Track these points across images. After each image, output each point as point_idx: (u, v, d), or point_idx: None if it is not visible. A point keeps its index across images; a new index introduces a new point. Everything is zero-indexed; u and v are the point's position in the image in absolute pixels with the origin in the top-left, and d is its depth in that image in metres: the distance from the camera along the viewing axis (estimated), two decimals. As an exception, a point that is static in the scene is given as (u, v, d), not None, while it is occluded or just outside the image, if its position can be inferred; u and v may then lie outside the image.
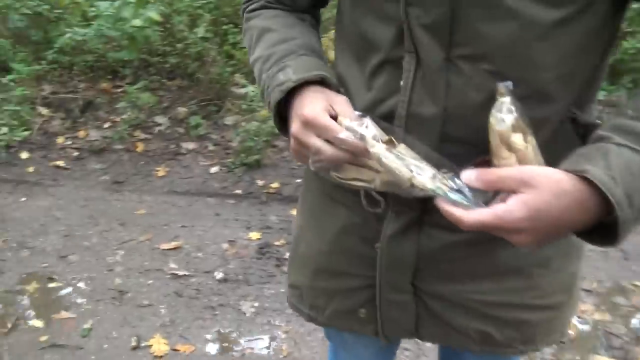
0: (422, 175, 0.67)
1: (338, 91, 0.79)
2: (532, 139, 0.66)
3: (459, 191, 0.65)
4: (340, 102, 0.75)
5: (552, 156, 0.66)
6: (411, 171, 0.67)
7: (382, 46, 0.75)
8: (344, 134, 0.69)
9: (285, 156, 3.23)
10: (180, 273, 2.39)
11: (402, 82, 0.73)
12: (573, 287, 0.92)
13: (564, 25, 0.66)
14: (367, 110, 0.76)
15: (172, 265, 2.44)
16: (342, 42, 0.85)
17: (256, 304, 2.24)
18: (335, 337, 1.13)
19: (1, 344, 2.04)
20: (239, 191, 2.97)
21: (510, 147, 0.65)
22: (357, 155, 0.71)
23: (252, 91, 3.28)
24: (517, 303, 0.85)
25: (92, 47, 3.61)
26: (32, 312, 2.19)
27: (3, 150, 3.19)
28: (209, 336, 2.10)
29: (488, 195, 0.65)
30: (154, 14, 3.23)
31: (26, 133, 3.33)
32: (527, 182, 0.60)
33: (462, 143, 0.72)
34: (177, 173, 3.12)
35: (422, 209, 0.78)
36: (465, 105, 0.71)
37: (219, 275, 2.38)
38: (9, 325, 2.12)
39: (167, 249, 2.53)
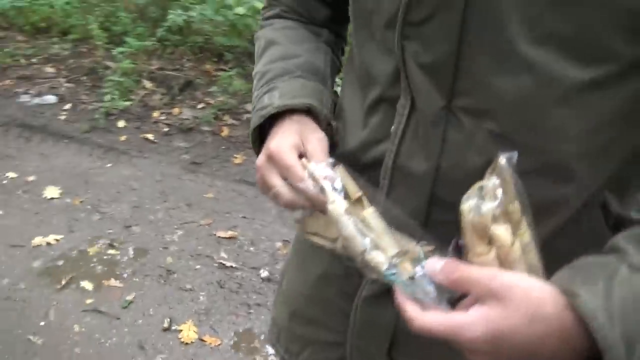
0: (379, 252, 0.55)
1: (328, 124, 0.70)
2: (526, 233, 0.52)
3: (425, 277, 0.52)
4: (314, 141, 0.65)
5: (569, 250, 0.52)
6: (366, 244, 0.55)
7: (380, 81, 0.64)
8: (302, 183, 0.60)
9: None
10: (228, 264, 2.40)
11: (392, 127, 0.62)
12: None
13: (597, 89, 0.51)
14: (359, 150, 0.67)
15: (223, 255, 2.45)
16: (349, 68, 0.75)
17: (292, 310, 2.19)
18: None
19: (51, 299, 2.17)
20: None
21: (490, 240, 0.52)
22: (317, 208, 0.61)
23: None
24: None
25: (199, 29, 3.74)
26: (86, 274, 2.30)
27: (103, 117, 3.40)
28: (238, 333, 2.08)
29: (457, 292, 0.52)
30: (258, 3, 3.26)
31: (127, 103, 3.53)
32: (497, 295, 0.47)
33: (454, 210, 0.58)
34: (253, 163, 3.13)
35: None
36: (462, 167, 0.58)
37: (264, 273, 2.36)
38: (63, 283, 2.24)
39: (223, 237, 2.55)
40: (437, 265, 0.52)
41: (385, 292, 0.68)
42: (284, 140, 0.64)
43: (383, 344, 0.72)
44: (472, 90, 0.55)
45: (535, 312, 0.46)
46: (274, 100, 0.68)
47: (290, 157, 0.62)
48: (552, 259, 0.51)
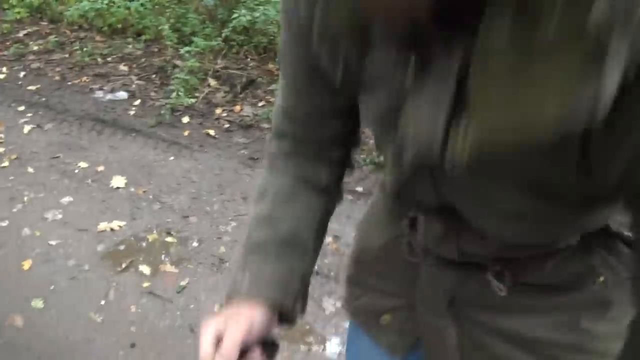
0: None
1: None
2: None
3: None
4: (231, 333, 0.69)
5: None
6: None
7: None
8: None
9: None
10: (279, 256, 2.44)
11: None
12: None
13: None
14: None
15: (274, 247, 2.50)
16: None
17: (338, 304, 2.21)
18: (353, 347, 1.05)
19: (112, 280, 2.30)
20: (359, 189, 2.94)
21: None
22: None
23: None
24: (566, 343, 0.73)
25: (263, 29, 3.84)
26: (144, 259, 2.42)
27: (169, 112, 3.56)
28: (283, 323, 2.12)
29: None
30: (320, 4, 3.31)
31: (192, 100, 3.68)
32: None
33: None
34: (309, 160, 3.19)
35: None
36: None
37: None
38: (123, 266, 2.37)
39: (275, 230, 2.60)
40: None
41: (444, 263, 0.75)
42: (212, 325, 0.70)
43: (446, 298, 0.77)
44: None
45: None
46: (243, 286, 0.75)
47: (205, 347, 0.68)
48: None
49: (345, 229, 2.63)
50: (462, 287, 0.75)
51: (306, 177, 0.80)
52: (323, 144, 0.78)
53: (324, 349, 2.02)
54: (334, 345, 2.03)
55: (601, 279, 0.70)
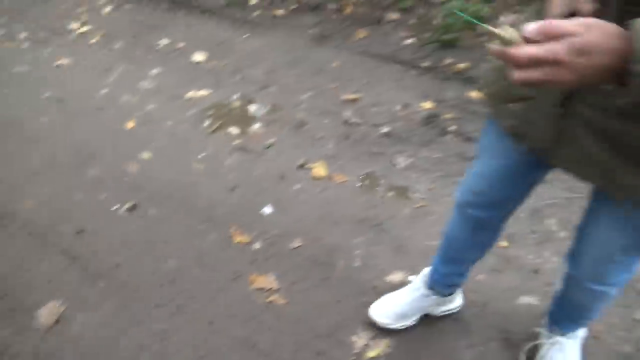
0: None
1: None
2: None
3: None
4: None
5: None
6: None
7: None
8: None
9: (483, 41, 3.22)
10: (353, 120, 2.69)
11: None
12: None
13: None
14: None
15: (347, 113, 2.74)
16: None
17: (409, 161, 2.46)
18: (487, 130, 1.23)
19: (207, 138, 2.60)
20: (426, 64, 3.10)
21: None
22: None
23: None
24: None
25: None
26: (232, 122, 2.70)
27: (238, -7, 3.71)
28: (361, 174, 2.40)
29: None
30: None
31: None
32: (584, 24, 0.65)
33: None
34: (375, 38, 3.34)
35: None
36: None
37: (385, 129, 2.63)
38: (214, 127, 2.66)
39: (347, 99, 2.83)
40: (534, 24, 0.69)
41: None
42: None
43: (565, 90, 0.92)
44: None
45: (607, 32, 0.64)
46: None
47: None
48: None
49: (412, 100, 2.83)
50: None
51: None
52: None
53: (397, 196, 2.30)
54: (406, 193, 2.31)
55: None
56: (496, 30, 0.72)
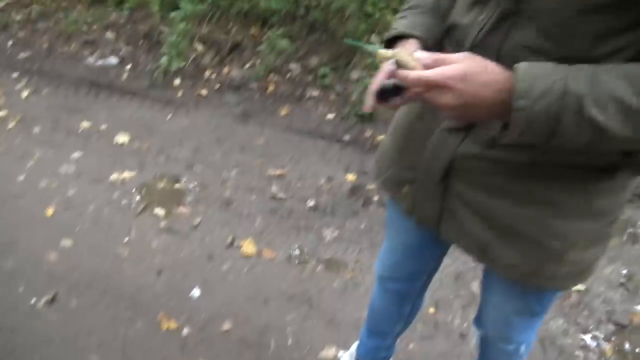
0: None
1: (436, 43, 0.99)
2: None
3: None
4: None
5: None
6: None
7: None
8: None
9: (398, 114, 3.41)
10: (279, 195, 2.74)
11: (481, 17, 0.89)
12: (593, 246, 0.98)
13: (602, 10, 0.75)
14: (460, 30, 0.95)
15: (274, 188, 2.79)
16: None
17: (336, 233, 2.52)
18: (389, 211, 1.32)
19: (132, 222, 2.55)
20: (347, 138, 3.23)
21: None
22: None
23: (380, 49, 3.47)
24: (529, 233, 0.96)
25: (246, -6, 4.04)
26: (158, 203, 2.68)
27: (161, 75, 3.76)
28: (290, 249, 2.42)
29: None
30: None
31: (182, 63, 3.88)
32: (466, 55, 0.76)
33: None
34: (298, 115, 3.46)
35: (470, 123, 0.95)
36: (517, 44, 0.85)
37: (311, 203, 2.69)
38: (139, 210, 2.62)
39: (273, 175, 2.89)
40: (425, 53, 0.80)
41: (454, 129, 0.97)
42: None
43: (444, 165, 1.00)
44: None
45: (489, 66, 0.75)
46: (400, 27, 1.00)
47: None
48: None
49: (336, 173, 2.93)
50: (461, 154, 0.97)
51: None
52: None
53: (326, 270, 2.33)
54: (334, 266, 2.34)
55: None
56: (394, 53, 0.82)
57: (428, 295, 2.19)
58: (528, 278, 1.00)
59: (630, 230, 2.65)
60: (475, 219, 1.01)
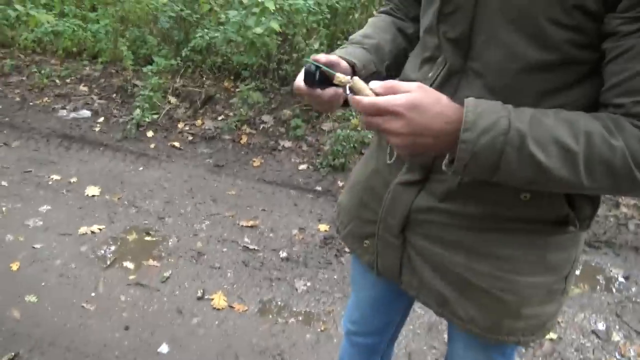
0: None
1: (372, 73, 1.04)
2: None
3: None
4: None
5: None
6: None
7: (429, 47, 0.97)
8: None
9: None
10: (251, 247, 2.72)
11: (430, 74, 0.94)
12: (549, 301, 1.00)
13: (546, 68, 0.80)
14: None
15: (246, 240, 2.77)
16: (417, 44, 1.07)
17: (308, 284, 2.50)
18: (353, 265, 1.33)
19: (100, 275, 2.50)
20: (319, 188, 3.26)
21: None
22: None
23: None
24: (485, 288, 0.97)
25: (219, 49, 4.13)
26: (127, 256, 2.63)
27: (134, 127, 3.77)
28: (262, 302, 2.39)
29: None
30: (274, 24, 3.64)
31: (155, 116, 3.91)
32: (419, 86, 0.78)
33: None
34: (270, 165, 3.49)
35: (426, 174, 0.98)
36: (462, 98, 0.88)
37: (283, 254, 2.68)
38: (108, 263, 2.57)
39: (246, 226, 2.88)
40: (377, 82, 0.82)
41: (409, 183, 1.00)
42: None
43: (400, 220, 1.02)
44: (476, 57, 0.87)
45: (439, 98, 0.77)
46: (338, 52, 1.03)
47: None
48: None
49: (309, 223, 2.93)
50: (416, 207, 0.99)
51: (397, 23, 1.13)
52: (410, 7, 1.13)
53: (298, 322, 2.30)
54: (307, 319, 2.32)
55: (526, 195, 0.88)
56: (352, 79, 0.84)
57: (402, 346, 2.18)
58: (486, 333, 1.01)
59: (598, 276, 2.69)
60: (433, 272, 1.02)
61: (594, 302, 2.51)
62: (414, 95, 0.76)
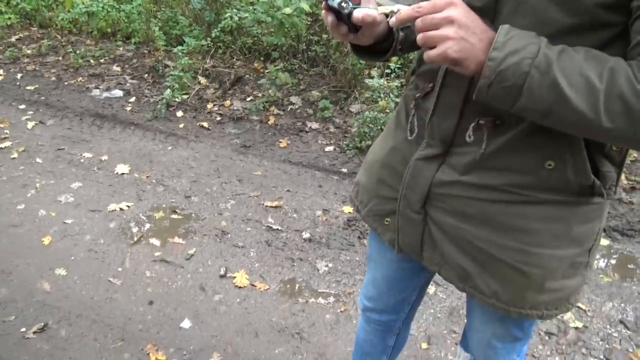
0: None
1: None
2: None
3: None
4: None
5: None
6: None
7: None
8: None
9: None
10: (275, 227, 2.74)
11: None
12: (573, 274, 0.99)
13: (574, 33, 0.79)
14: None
15: (270, 220, 2.79)
16: None
17: (330, 265, 2.50)
18: (370, 243, 1.33)
19: (126, 251, 2.56)
20: (344, 170, 3.25)
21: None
22: None
23: (379, 83, 3.53)
24: (508, 262, 0.96)
25: (249, 29, 4.13)
26: (154, 233, 2.69)
27: (164, 107, 3.82)
28: (283, 282, 2.41)
29: None
30: (304, 4, 3.62)
31: (185, 96, 3.95)
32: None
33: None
34: (297, 147, 3.49)
35: (447, 148, 0.97)
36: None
37: (306, 235, 2.68)
38: (135, 239, 2.63)
39: (270, 206, 2.90)
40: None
41: (429, 158, 1.00)
42: None
43: (420, 195, 1.02)
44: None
45: (478, 18, 0.78)
46: None
47: None
48: None
49: (333, 204, 2.93)
50: (438, 182, 0.99)
51: None
52: None
53: (318, 302, 2.31)
54: (327, 299, 2.33)
55: (550, 164, 0.88)
56: (394, 10, 0.85)
57: (422, 329, 2.17)
58: (509, 306, 1.00)
59: (630, 265, 2.62)
60: (455, 247, 1.02)
61: (624, 292, 2.44)
62: (463, 6, 0.77)
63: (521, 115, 0.81)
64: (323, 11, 0.93)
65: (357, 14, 0.88)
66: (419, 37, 0.79)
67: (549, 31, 0.79)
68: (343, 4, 0.89)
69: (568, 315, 2.29)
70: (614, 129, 0.74)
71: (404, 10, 0.81)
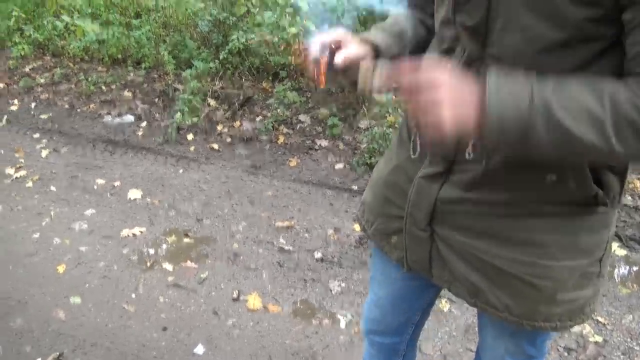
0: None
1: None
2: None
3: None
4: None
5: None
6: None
7: (446, 39, 0.97)
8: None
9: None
10: (287, 248, 2.73)
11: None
12: (585, 284, 0.98)
13: (564, 47, 0.80)
14: None
15: (282, 241, 2.79)
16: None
17: (343, 285, 2.49)
18: (374, 262, 1.33)
19: (140, 277, 2.57)
20: (355, 187, 3.24)
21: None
22: None
23: (386, 98, 3.53)
24: (518, 275, 0.96)
25: (256, 50, 4.17)
26: (166, 258, 2.70)
27: (175, 131, 3.86)
28: (295, 303, 2.40)
29: None
30: (310, 24, 3.64)
31: (195, 119, 3.98)
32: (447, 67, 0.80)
33: None
34: (307, 165, 3.49)
35: (449, 166, 0.98)
36: None
37: (318, 254, 2.68)
38: (148, 265, 2.64)
39: (281, 227, 2.90)
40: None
41: (432, 175, 1.01)
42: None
43: (426, 213, 1.03)
44: (494, 43, 0.86)
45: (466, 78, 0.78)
46: (364, 35, 1.06)
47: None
48: None
49: (344, 223, 2.92)
50: (443, 199, 0.99)
51: (417, 15, 1.14)
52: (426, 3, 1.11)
53: (332, 323, 2.29)
54: (341, 320, 2.31)
55: (552, 177, 0.89)
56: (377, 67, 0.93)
57: (437, 348, 2.14)
58: (522, 319, 1.00)
59: (649, 275, 2.57)
60: (463, 263, 1.02)
61: (644, 303, 2.39)
62: (444, 69, 0.79)
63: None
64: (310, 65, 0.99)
65: (337, 59, 0.96)
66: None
67: (540, 46, 0.80)
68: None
69: (587, 330, 2.25)
70: (628, 153, 0.75)
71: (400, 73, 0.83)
